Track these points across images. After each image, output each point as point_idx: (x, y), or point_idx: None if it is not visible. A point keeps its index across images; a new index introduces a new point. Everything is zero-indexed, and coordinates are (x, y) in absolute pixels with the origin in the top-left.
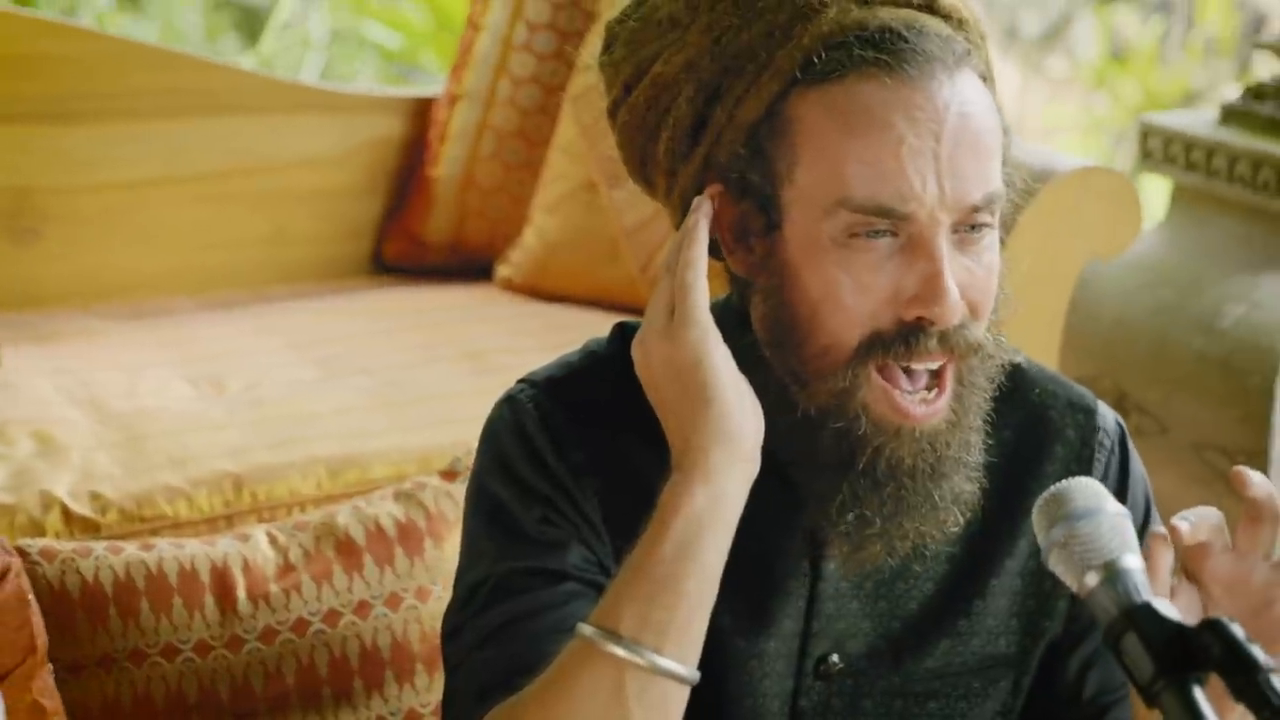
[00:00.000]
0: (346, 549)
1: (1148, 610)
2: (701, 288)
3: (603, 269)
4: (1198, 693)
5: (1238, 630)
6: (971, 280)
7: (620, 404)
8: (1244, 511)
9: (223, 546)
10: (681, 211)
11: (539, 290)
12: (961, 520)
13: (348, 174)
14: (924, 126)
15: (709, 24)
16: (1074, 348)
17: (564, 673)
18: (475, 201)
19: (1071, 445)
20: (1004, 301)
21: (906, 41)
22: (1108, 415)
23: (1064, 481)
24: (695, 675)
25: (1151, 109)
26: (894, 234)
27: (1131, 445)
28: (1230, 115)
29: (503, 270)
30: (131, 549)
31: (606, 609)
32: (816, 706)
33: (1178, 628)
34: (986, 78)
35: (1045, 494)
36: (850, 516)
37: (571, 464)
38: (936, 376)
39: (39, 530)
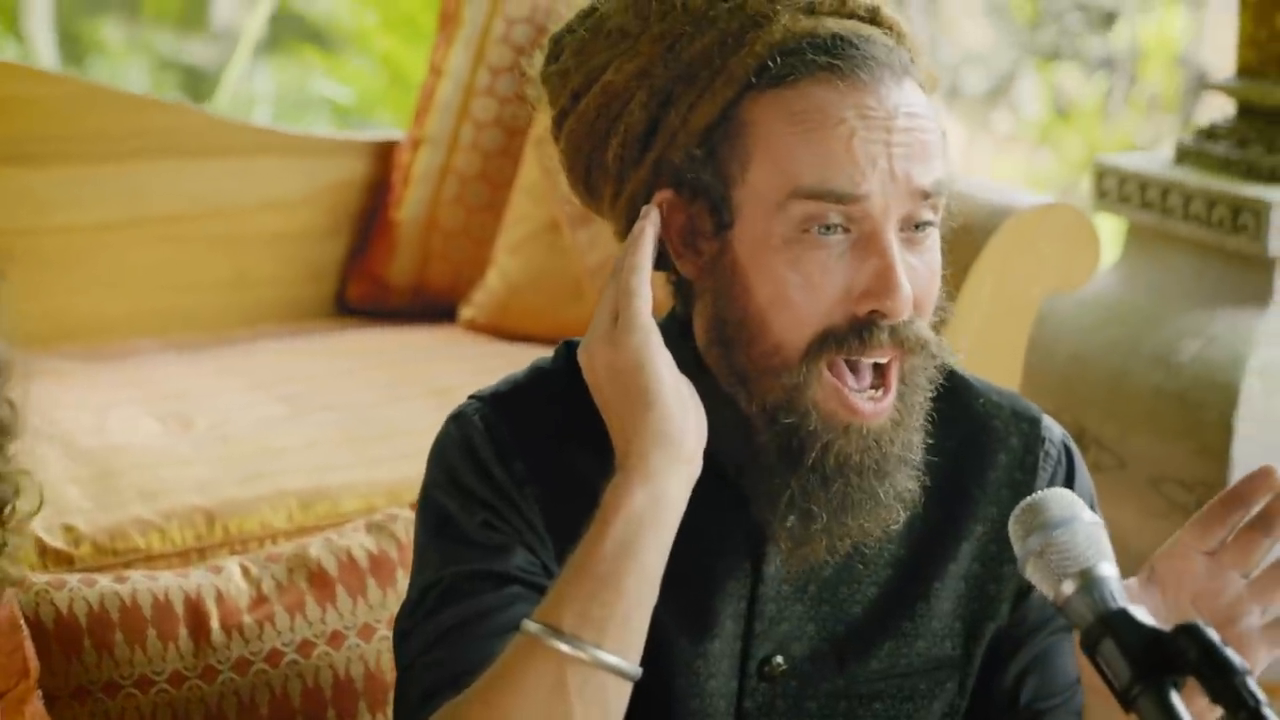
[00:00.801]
0: (319, 580)
1: (1124, 616)
2: (644, 293)
3: (566, 308)
4: (1174, 697)
5: (1213, 634)
6: (916, 278)
7: (565, 415)
8: (1250, 523)
9: (196, 578)
10: (627, 219)
11: (502, 330)
12: (903, 517)
13: (310, 217)
14: (875, 123)
15: (661, 33)
16: (1032, 384)
17: (507, 668)
18: (438, 244)
19: (1015, 453)
20: (943, 310)
21: (856, 48)
22: (1053, 427)
23: (1040, 492)
24: (636, 671)
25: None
26: (845, 230)
27: (1079, 458)
28: (1184, 155)
29: (466, 311)
30: (105, 581)
31: (549, 606)
32: (761, 707)
33: (1154, 633)
34: (925, 89)
35: (1021, 504)
36: (796, 513)
37: (515, 473)
38: (881, 375)
39: None
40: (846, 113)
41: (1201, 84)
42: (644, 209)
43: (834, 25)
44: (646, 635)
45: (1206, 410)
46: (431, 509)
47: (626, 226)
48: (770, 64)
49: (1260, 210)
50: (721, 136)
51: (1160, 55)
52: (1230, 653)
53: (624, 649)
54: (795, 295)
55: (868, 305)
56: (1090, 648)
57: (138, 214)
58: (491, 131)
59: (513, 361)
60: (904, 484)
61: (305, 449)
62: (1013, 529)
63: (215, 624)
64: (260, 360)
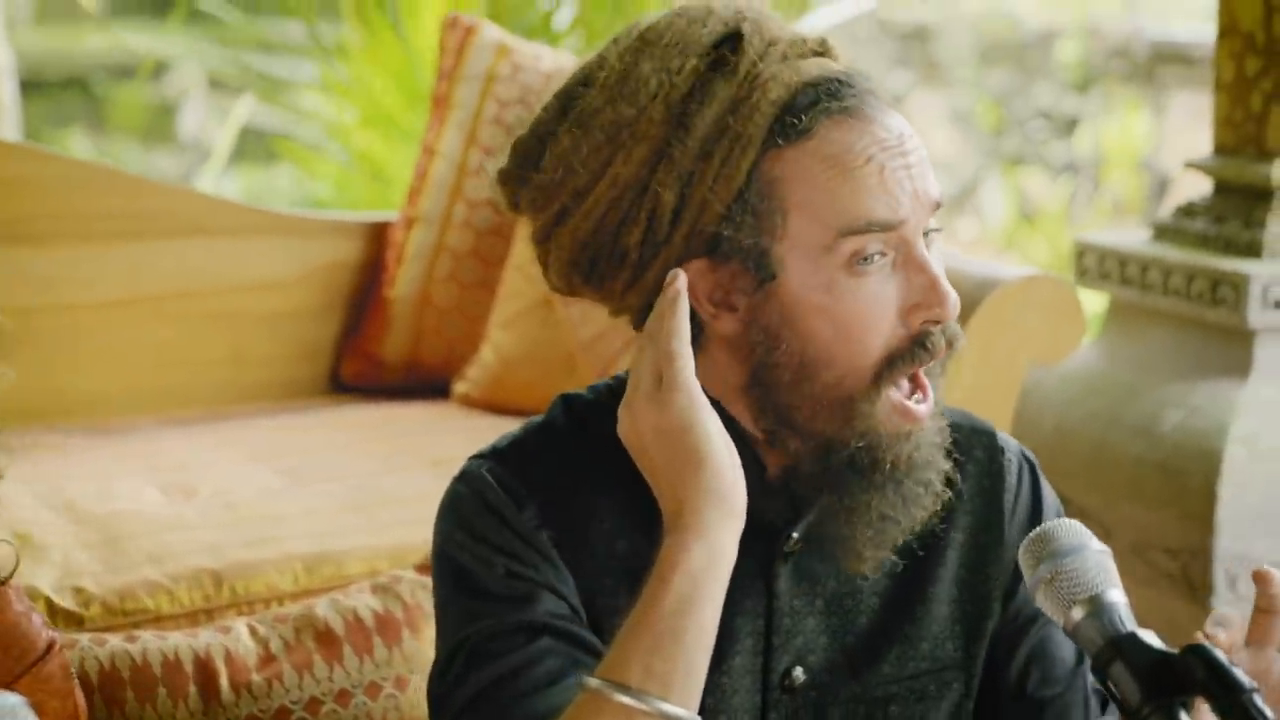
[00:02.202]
0: (326, 639)
1: (1133, 639)
2: (687, 354)
3: (559, 382)
4: (1184, 717)
5: (1220, 654)
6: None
7: (568, 464)
8: (1260, 605)
9: (205, 638)
10: (646, 300)
11: (496, 404)
12: (946, 497)
13: (305, 296)
14: (893, 151)
15: (665, 115)
16: None
17: None
18: (432, 321)
19: (980, 463)
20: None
21: (852, 85)
22: (1009, 439)
23: (1048, 523)
24: (696, 718)
25: (1060, 269)
26: (883, 254)
27: (1039, 467)
28: (1162, 232)
29: (460, 386)
30: (115, 640)
31: (612, 662)
32: (786, 718)
33: (1163, 655)
34: None
35: (1031, 534)
36: (877, 522)
37: (529, 519)
38: (914, 379)
39: None
40: (870, 148)
41: (1161, 195)
42: (670, 274)
43: (815, 67)
44: None
45: (1190, 478)
46: (448, 567)
47: (647, 307)
48: (782, 121)
49: (1239, 283)
50: (754, 197)
51: (1123, 160)
52: (1238, 671)
53: (686, 700)
54: (856, 326)
55: (922, 316)
56: (1101, 671)
57: (135, 293)
58: (484, 210)
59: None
60: (944, 465)
61: (308, 516)
62: (1022, 558)
63: (224, 682)
64: (258, 434)
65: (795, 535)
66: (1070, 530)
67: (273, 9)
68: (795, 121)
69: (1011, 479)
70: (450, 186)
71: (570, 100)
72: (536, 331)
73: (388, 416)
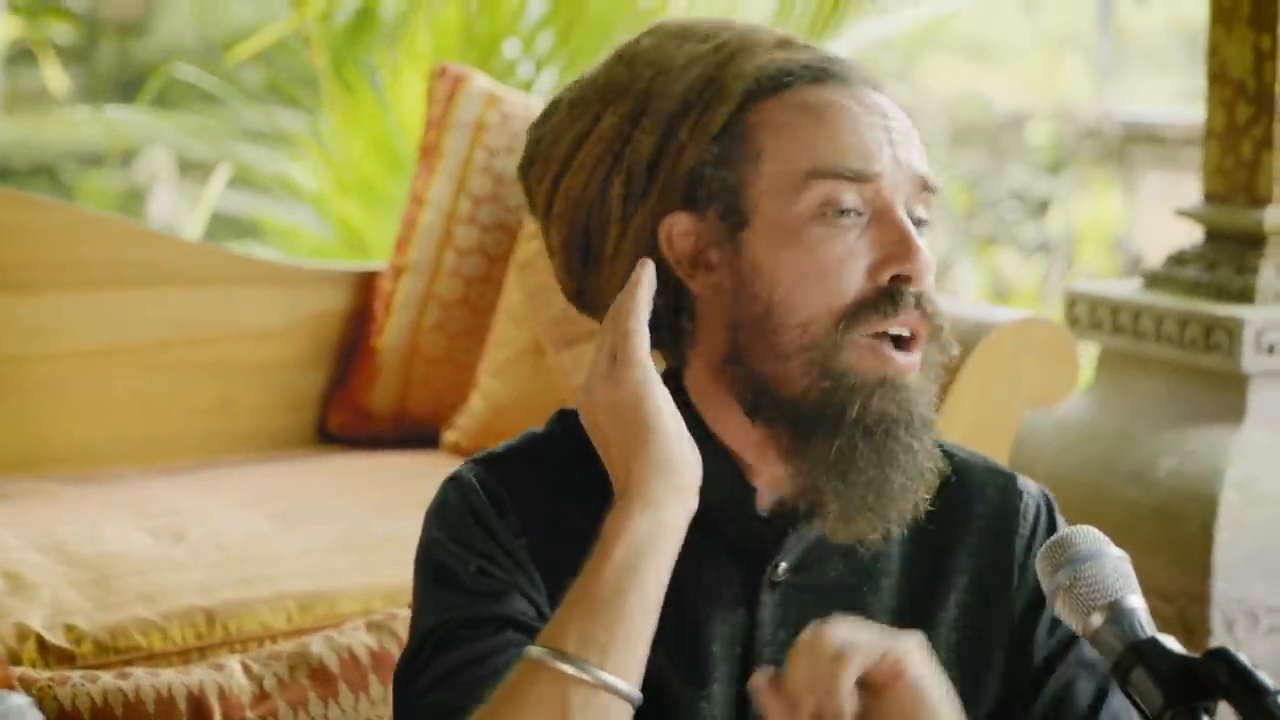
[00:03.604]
0: (321, 676)
1: (1154, 644)
2: (642, 332)
3: None
4: None
5: (1244, 657)
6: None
7: (557, 475)
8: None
9: (198, 675)
10: (630, 263)
11: None
12: (927, 498)
13: (293, 346)
14: (873, 110)
15: (654, 74)
16: None
17: (511, 693)
18: (420, 370)
19: (992, 502)
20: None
21: (839, 62)
22: (1029, 481)
23: (1066, 529)
24: (637, 695)
25: None
26: (859, 213)
27: (1058, 510)
28: (1154, 281)
29: (449, 435)
30: (108, 678)
31: (552, 630)
32: None
33: (1184, 659)
34: None
35: (1048, 542)
36: (842, 473)
37: (510, 525)
38: (909, 342)
39: (15, 661)
40: (848, 102)
41: (1134, 272)
42: (639, 263)
43: (806, 54)
44: (646, 679)
45: (1186, 522)
46: (427, 565)
47: (628, 274)
48: (761, 80)
49: (1233, 328)
50: (731, 140)
51: (1095, 239)
52: (1261, 674)
53: (625, 671)
54: (821, 275)
55: (890, 271)
56: (1121, 677)
57: (121, 342)
58: (473, 258)
59: None
60: (932, 448)
61: (300, 556)
62: (1040, 565)
63: None
64: (246, 481)
65: (784, 565)
66: (1088, 536)
67: (248, 80)
68: (775, 79)
69: (1025, 526)
70: (439, 235)
71: (575, 82)
72: (527, 379)
73: (376, 465)
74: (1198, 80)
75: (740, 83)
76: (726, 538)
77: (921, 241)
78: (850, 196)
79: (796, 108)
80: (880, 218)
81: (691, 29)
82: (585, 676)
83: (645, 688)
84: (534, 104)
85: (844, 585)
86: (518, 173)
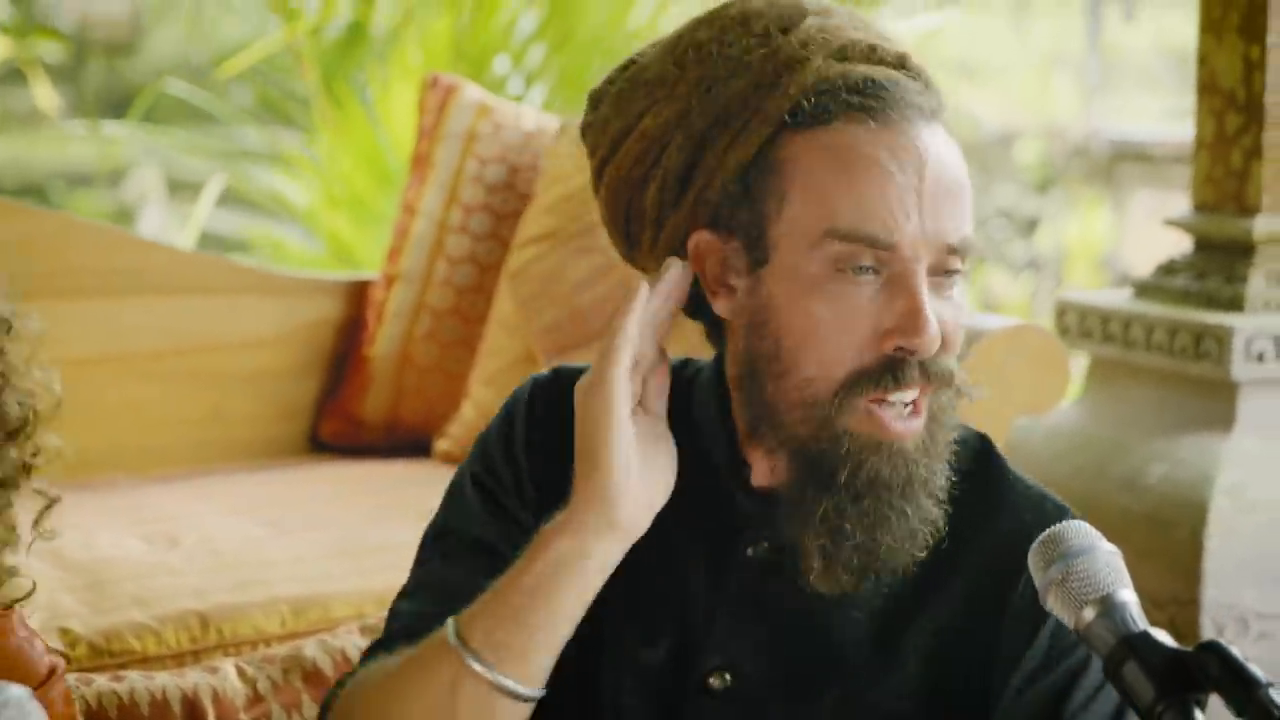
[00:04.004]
0: (315, 679)
1: (1146, 638)
2: (624, 349)
3: None
4: (1199, 714)
5: (1235, 650)
6: (947, 319)
7: None
8: None
9: (192, 678)
10: (663, 261)
11: None
12: (926, 547)
13: (285, 355)
14: (907, 165)
15: (698, 78)
16: None
17: (420, 659)
18: (412, 379)
19: (1021, 519)
20: (967, 339)
21: (887, 90)
22: (1081, 523)
23: (1058, 525)
24: (533, 693)
25: None
26: (876, 272)
27: None
28: (1144, 290)
29: (441, 444)
30: (102, 680)
31: (469, 614)
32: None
33: (1176, 652)
34: (951, 130)
35: (1040, 537)
36: (828, 532)
37: (532, 441)
38: (912, 405)
39: None
40: (880, 153)
41: (1125, 282)
42: (666, 262)
43: (865, 70)
44: (598, 629)
45: (1176, 529)
46: (471, 456)
47: (656, 255)
48: (805, 104)
49: (1223, 336)
50: (758, 174)
51: (1084, 257)
52: (1253, 667)
53: (522, 677)
54: (827, 332)
55: (895, 341)
56: (1113, 670)
57: (114, 350)
58: (465, 268)
59: None
60: (930, 510)
61: (293, 562)
62: (1032, 561)
63: None
64: (240, 489)
65: (763, 545)
66: (1080, 531)
67: (238, 97)
68: (815, 109)
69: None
70: (431, 244)
71: (637, 56)
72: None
73: (369, 473)
74: (1186, 99)
75: (779, 105)
76: (712, 505)
77: (936, 307)
78: (868, 257)
79: (827, 151)
80: (896, 282)
81: (753, 18)
82: (479, 670)
83: (595, 637)
84: (526, 114)
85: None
86: (580, 127)
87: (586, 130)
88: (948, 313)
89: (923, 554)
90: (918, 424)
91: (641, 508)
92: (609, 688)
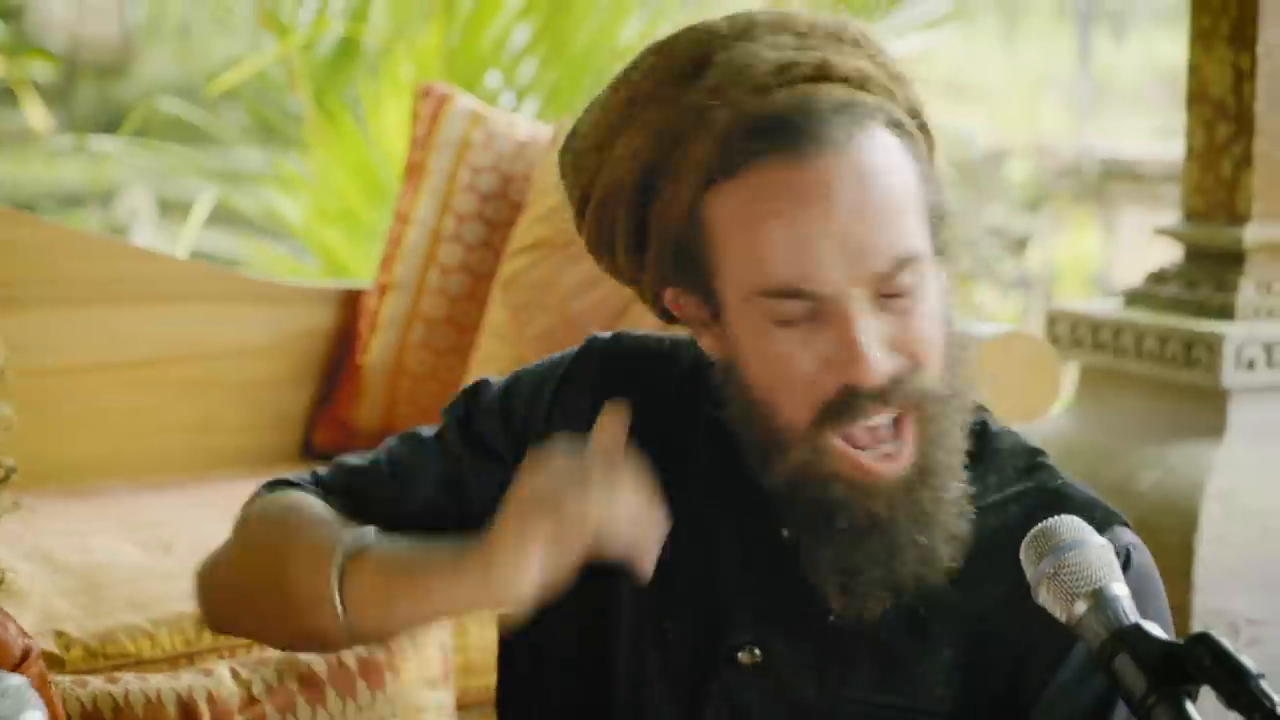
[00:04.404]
0: (309, 681)
1: (1137, 630)
2: (585, 532)
3: None
4: (1190, 706)
5: (1226, 642)
6: (905, 332)
7: (656, 390)
8: None
9: (187, 680)
10: (654, 304)
11: None
12: (958, 558)
13: (278, 363)
14: (816, 209)
15: (627, 143)
16: None
17: (316, 540)
18: (405, 388)
19: None
20: (960, 339)
21: (795, 125)
22: (1125, 533)
23: (1049, 519)
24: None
25: None
26: (812, 315)
27: (1144, 564)
28: (1134, 299)
29: None
30: (97, 682)
31: (360, 555)
32: (725, 694)
33: (1167, 645)
34: (901, 124)
35: (1032, 532)
36: (840, 573)
37: (552, 408)
38: (896, 426)
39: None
40: (786, 204)
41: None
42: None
43: (780, 101)
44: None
45: (1167, 536)
46: (501, 382)
47: (656, 308)
48: (715, 159)
49: (1214, 344)
50: (692, 234)
51: (1074, 275)
52: (1244, 658)
53: (353, 620)
54: (784, 377)
55: (834, 380)
56: (1105, 663)
57: (108, 358)
58: (458, 276)
59: None
60: (950, 525)
61: None
62: (1025, 555)
63: None
64: (233, 496)
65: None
66: (1071, 526)
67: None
68: (724, 162)
69: None
70: (424, 253)
71: (584, 112)
72: None
73: None
74: (1175, 117)
75: (691, 170)
76: (743, 485)
77: (893, 327)
78: (797, 307)
79: (740, 208)
80: (828, 321)
81: (674, 58)
82: (336, 606)
83: (612, 609)
84: (518, 123)
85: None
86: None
87: (567, 191)
88: (910, 326)
89: (955, 565)
90: (905, 455)
91: (527, 599)
92: (626, 658)
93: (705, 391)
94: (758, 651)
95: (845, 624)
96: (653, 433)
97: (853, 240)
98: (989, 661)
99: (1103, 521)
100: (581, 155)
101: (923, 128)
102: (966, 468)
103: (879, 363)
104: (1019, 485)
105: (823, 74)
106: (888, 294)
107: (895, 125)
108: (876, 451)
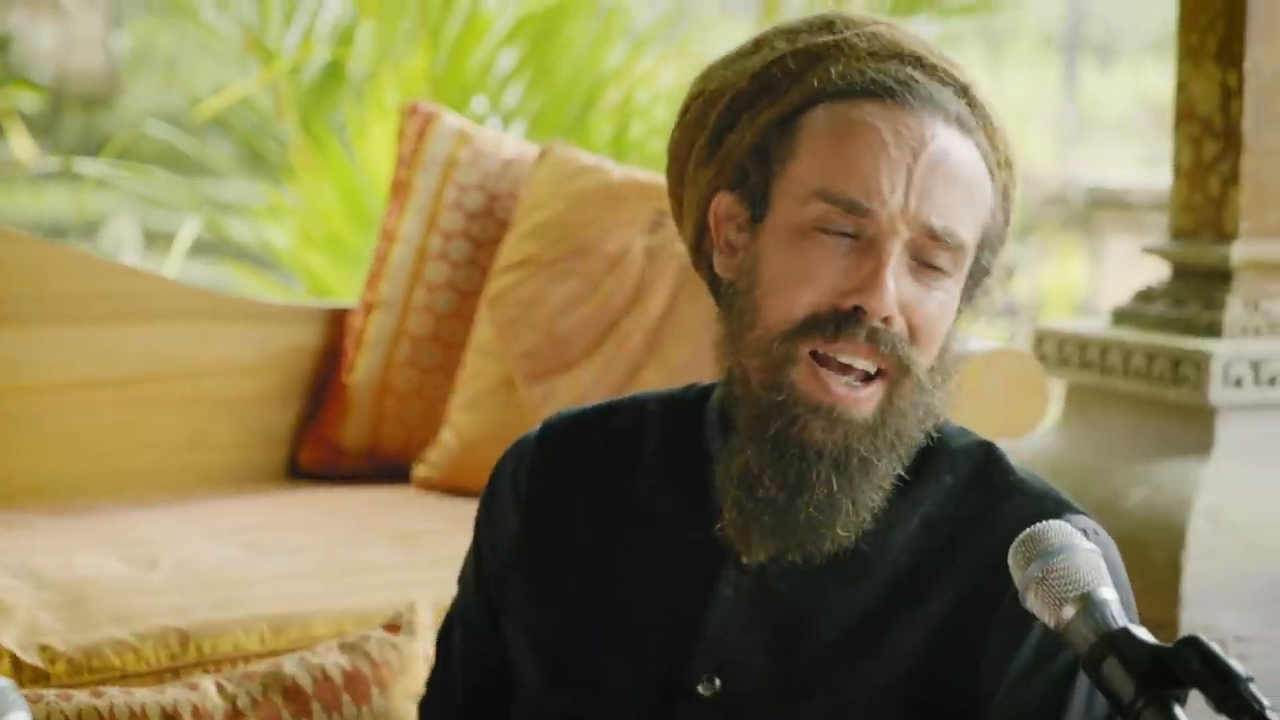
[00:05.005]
0: (294, 695)
1: (1126, 634)
2: None
3: None
4: (1179, 710)
5: (1215, 646)
6: (919, 306)
7: (614, 446)
8: None
9: (172, 694)
10: (694, 222)
11: (458, 487)
12: (851, 535)
13: (265, 382)
14: (906, 143)
15: (761, 59)
16: None
17: None
18: (392, 406)
19: (1020, 520)
20: (955, 360)
21: (915, 82)
22: (1087, 521)
23: (1036, 525)
24: None
25: None
26: (854, 236)
27: (1108, 548)
28: (1122, 318)
29: (420, 470)
30: (82, 696)
31: None
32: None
33: (1156, 649)
34: (988, 156)
35: (1019, 537)
36: (744, 484)
37: (520, 496)
38: (865, 382)
39: None
40: (883, 128)
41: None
42: None
43: (898, 65)
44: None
45: (1155, 552)
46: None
47: (694, 230)
48: (837, 80)
49: (1201, 361)
50: (779, 135)
51: (1061, 304)
52: (1233, 661)
53: None
54: (791, 282)
55: (851, 300)
56: (1093, 667)
57: (94, 376)
58: (444, 294)
59: (470, 513)
60: (864, 493)
61: (274, 581)
62: (1012, 560)
63: None
64: (220, 514)
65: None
66: (1059, 530)
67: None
68: (844, 86)
69: None
70: (410, 271)
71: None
72: (498, 413)
73: (347, 499)
74: (1162, 146)
75: (815, 81)
76: (705, 515)
77: (912, 291)
78: (844, 222)
79: (839, 121)
80: (867, 248)
81: (817, 19)
82: None
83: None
84: (504, 141)
85: (811, 581)
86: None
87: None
88: (927, 303)
89: (849, 538)
90: (866, 397)
91: None
92: (604, 693)
93: (650, 439)
94: (717, 681)
95: (803, 651)
96: (595, 484)
97: (924, 190)
98: (946, 659)
99: (1055, 511)
100: (713, 66)
101: (1006, 182)
102: (917, 468)
103: (891, 302)
104: (973, 479)
105: (947, 79)
106: (923, 262)
107: (985, 157)
108: (841, 379)
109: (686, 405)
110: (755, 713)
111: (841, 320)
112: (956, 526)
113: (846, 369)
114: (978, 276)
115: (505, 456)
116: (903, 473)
